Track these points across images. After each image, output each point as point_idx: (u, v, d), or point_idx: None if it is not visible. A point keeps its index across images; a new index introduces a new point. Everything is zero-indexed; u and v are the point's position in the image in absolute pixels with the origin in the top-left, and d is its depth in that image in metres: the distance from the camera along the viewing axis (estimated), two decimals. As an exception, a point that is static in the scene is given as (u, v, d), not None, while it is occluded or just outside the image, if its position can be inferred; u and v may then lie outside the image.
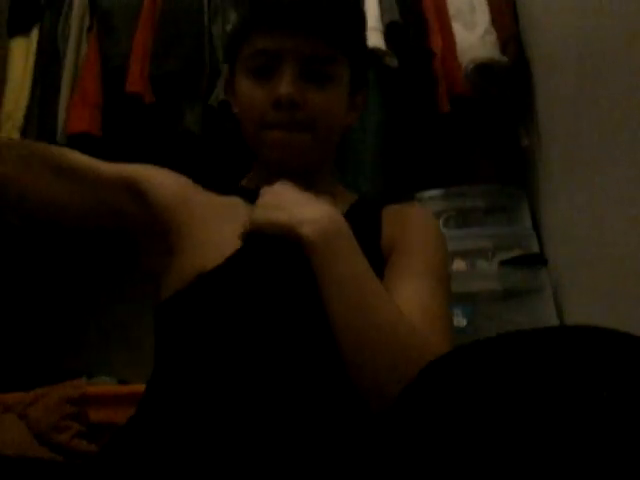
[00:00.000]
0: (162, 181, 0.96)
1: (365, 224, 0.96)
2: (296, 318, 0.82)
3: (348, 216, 0.94)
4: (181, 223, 0.92)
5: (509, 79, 1.80)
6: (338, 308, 0.78)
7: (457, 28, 1.87)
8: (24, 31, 2.06)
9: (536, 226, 1.81)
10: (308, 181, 0.95)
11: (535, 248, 1.74)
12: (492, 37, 1.82)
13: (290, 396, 0.76)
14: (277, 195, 0.88)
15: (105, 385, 1.95)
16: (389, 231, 0.96)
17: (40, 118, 1.95)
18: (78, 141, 1.87)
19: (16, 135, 1.93)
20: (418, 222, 0.97)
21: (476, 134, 1.92)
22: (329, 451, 0.72)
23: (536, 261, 1.69)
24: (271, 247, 0.86)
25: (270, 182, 0.93)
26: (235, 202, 0.96)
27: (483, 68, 1.79)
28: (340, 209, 0.96)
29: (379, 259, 0.91)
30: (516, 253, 1.73)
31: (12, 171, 0.89)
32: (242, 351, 0.80)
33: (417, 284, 0.86)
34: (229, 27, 1.94)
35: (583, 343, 0.52)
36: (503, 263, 1.71)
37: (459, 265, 1.73)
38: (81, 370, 1.99)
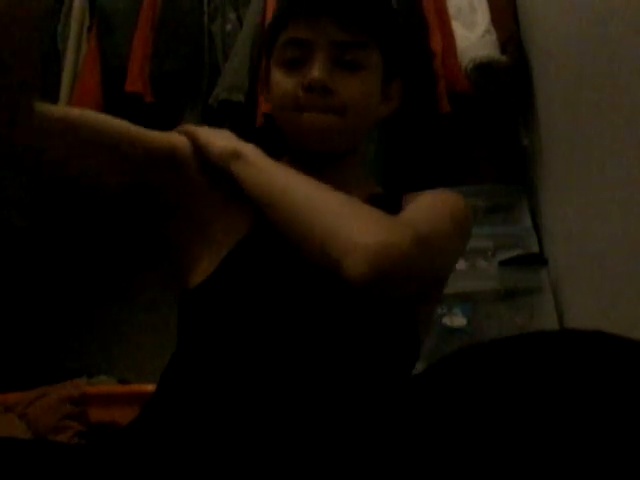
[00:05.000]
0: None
1: (387, 205, 0.98)
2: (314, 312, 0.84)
3: (371, 200, 0.98)
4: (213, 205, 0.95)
5: (509, 79, 1.80)
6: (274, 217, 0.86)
7: (457, 28, 1.87)
8: (24, 31, 2.06)
9: (536, 226, 1.81)
10: (336, 167, 0.98)
11: (535, 248, 1.74)
12: (492, 37, 1.82)
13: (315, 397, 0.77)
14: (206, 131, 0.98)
15: (105, 385, 1.94)
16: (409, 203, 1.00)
17: (40, 118, 1.95)
18: (78, 141, 1.87)
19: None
20: (437, 193, 1.05)
21: (476, 134, 1.92)
22: (338, 447, 0.72)
23: (536, 261, 1.69)
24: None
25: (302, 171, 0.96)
26: None
27: (483, 68, 1.79)
28: (364, 194, 1.00)
29: None
30: (516, 253, 1.73)
31: (64, 154, 0.87)
32: (270, 345, 0.81)
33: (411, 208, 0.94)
34: (229, 27, 1.94)
35: (584, 348, 0.52)
36: (503, 263, 1.71)
37: (459, 265, 1.73)
38: (81, 370, 1.99)
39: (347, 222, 0.81)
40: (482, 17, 1.86)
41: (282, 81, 0.95)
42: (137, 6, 1.94)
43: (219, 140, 0.94)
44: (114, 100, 1.88)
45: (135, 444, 0.77)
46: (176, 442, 0.74)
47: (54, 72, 1.97)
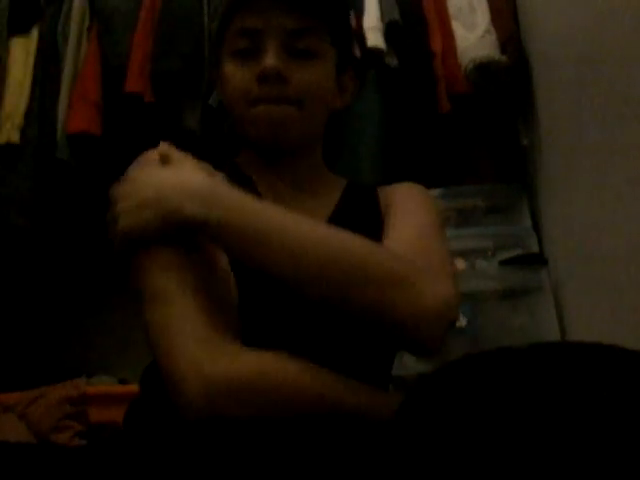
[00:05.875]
0: None
1: (362, 198, 0.99)
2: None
3: (344, 199, 0.97)
4: None
5: (509, 79, 1.80)
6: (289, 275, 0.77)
7: (457, 28, 1.87)
8: (24, 31, 2.06)
9: (536, 226, 1.81)
10: (295, 162, 0.96)
11: (535, 248, 1.74)
12: (492, 37, 1.82)
13: None
14: (135, 191, 0.79)
15: (105, 385, 1.95)
16: (385, 201, 0.98)
17: (40, 118, 1.95)
18: (78, 140, 1.87)
19: (16, 135, 1.93)
20: (406, 189, 1.01)
21: (476, 133, 1.92)
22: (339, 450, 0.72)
23: (536, 261, 1.69)
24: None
25: (258, 167, 0.95)
26: None
27: (483, 68, 1.79)
28: (332, 194, 0.98)
29: (380, 227, 0.94)
30: (516, 253, 1.72)
31: None
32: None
33: (404, 228, 0.90)
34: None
35: (583, 360, 0.52)
36: (503, 263, 1.71)
37: (459, 265, 1.73)
38: (81, 370, 1.99)
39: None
40: (482, 17, 1.86)
41: (234, 73, 0.93)
42: (137, 6, 1.94)
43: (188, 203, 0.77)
44: (114, 99, 1.88)
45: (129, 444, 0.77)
46: (167, 440, 0.74)
47: (54, 72, 1.97)
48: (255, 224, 0.77)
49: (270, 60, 0.90)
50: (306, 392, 0.73)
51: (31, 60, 2.01)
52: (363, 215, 0.96)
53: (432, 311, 0.75)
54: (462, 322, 1.61)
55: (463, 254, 1.74)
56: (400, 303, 0.75)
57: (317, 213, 0.93)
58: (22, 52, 2.03)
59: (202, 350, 0.72)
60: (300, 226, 0.78)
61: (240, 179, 0.95)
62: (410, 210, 0.95)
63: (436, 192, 1.85)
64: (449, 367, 0.56)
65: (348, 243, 0.78)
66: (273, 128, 0.92)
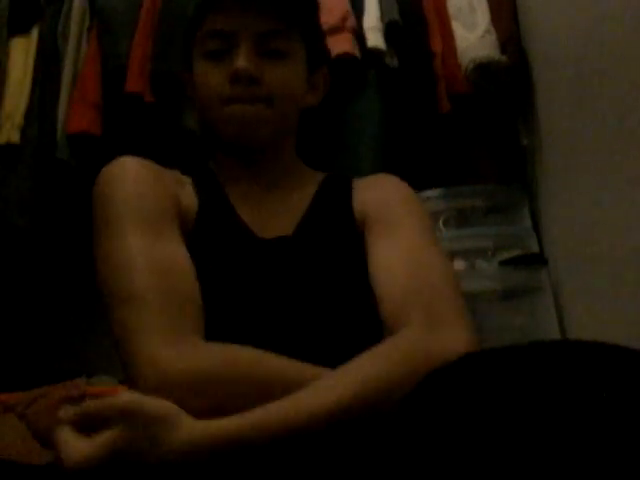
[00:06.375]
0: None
1: (336, 195, 0.99)
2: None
3: (320, 192, 0.99)
4: None
5: (509, 79, 1.80)
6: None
7: (457, 28, 1.87)
8: (24, 31, 2.05)
9: (536, 226, 1.81)
10: (269, 160, 0.98)
11: (535, 248, 1.74)
12: (492, 37, 1.82)
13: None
14: None
15: (105, 385, 1.94)
16: (361, 197, 0.98)
17: (40, 118, 1.95)
18: (78, 141, 1.87)
19: (16, 135, 1.93)
20: (387, 183, 1.01)
21: (476, 134, 1.92)
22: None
23: (536, 261, 1.68)
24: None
25: (232, 169, 0.96)
26: None
27: (483, 68, 1.79)
28: (308, 190, 0.99)
29: (352, 227, 0.95)
30: (516, 253, 1.72)
31: None
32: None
33: (393, 250, 0.88)
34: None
35: (583, 358, 0.52)
36: (503, 263, 1.70)
37: (459, 265, 1.73)
38: (81, 370, 1.99)
39: None
40: (482, 17, 1.86)
41: (207, 73, 0.94)
42: (137, 6, 1.93)
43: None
44: (114, 100, 1.88)
45: None
46: None
47: (54, 72, 1.97)
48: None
49: (242, 62, 0.91)
50: (262, 382, 0.73)
51: (31, 60, 2.01)
52: (335, 212, 0.97)
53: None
54: (462, 322, 1.60)
55: (463, 254, 1.74)
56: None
57: (290, 214, 0.96)
58: (22, 52, 2.03)
59: (160, 346, 0.73)
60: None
61: (209, 185, 0.97)
62: (396, 220, 0.93)
63: (436, 192, 1.85)
64: (450, 366, 0.56)
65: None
66: (246, 127, 0.93)
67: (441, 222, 1.81)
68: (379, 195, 0.98)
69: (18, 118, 1.94)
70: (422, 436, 0.52)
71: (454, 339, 0.76)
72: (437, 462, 0.51)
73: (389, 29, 1.81)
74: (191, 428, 0.67)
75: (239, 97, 0.92)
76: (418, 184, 1.87)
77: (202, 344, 0.76)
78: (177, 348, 0.74)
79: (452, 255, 1.71)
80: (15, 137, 1.92)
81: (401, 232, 0.90)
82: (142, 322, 0.76)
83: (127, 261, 0.82)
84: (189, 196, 0.95)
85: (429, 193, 1.85)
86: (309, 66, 1.00)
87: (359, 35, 1.81)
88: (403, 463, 0.53)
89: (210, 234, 0.91)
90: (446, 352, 0.72)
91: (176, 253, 0.84)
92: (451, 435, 0.51)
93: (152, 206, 0.87)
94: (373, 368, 0.72)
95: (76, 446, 0.67)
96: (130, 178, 0.90)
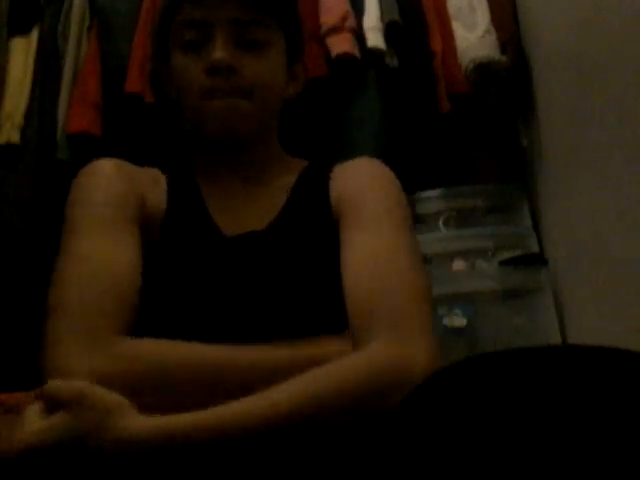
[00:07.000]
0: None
1: (313, 185, 0.96)
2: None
3: (297, 184, 0.96)
4: None
5: (509, 79, 1.80)
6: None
7: (457, 28, 1.87)
8: (24, 31, 2.05)
9: (536, 226, 1.81)
10: (251, 153, 0.96)
11: (535, 248, 1.74)
12: (492, 37, 1.82)
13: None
14: None
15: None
16: (339, 185, 0.95)
17: (40, 118, 1.95)
18: (78, 141, 1.87)
19: (16, 135, 1.93)
20: (365, 170, 0.98)
21: (476, 134, 1.92)
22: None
23: (536, 261, 1.69)
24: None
25: (211, 164, 0.95)
26: None
27: (483, 68, 1.79)
28: (289, 181, 0.97)
29: (328, 218, 0.91)
30: (516, 253, 1.72)
31: None
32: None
33: (371, 235, 0.85)
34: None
35: (584, 362, 0.52)
36: (503, 263, 1.70)
37: (459, 265, 1.73)
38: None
39: None
40: (482, 17, 1.86)
41: (184, 66, 0.92)
42: (137, 6, 1.93)
43: None
44: (114, 100, 1.88)
45: None
46: None
47: (54, 72, 1.97)
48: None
49: (219, 52, 0.89)
50: (184, 373, 0.73)
51: (31, 60, 2.01)
52: (312, 204, 0.94)
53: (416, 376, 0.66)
54: (462, 322, 1.61)
55: (463, 254, 1.74)
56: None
57: (268, 208, 0.93)
58: (22, 52, 2.02)
59: (69, 356, 0.74)
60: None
61: (184, 183, 0.95)
62: (369, 215, 0.89)
63: (436, 192, 1.85)
64: (450, 369, 0.56)
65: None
66: (226, 123, 0.91)
67: (441, 222, 1.81)
68: (355, 184, 0.94)
69: (18, 118, 1.94)
70: (422, 438, 0.52)
71: (414, 354, 0.72)
72: (437, 465, 0.50)
73: (389, 29, 1.80)
74: (141, 420, 0.67)
75: (218, 89, 0.89)
76: (418, 184, 1.89)
77: (120, 342, 0.76)
78: (89, 353, 0.74)
79: (452, 255, 1.71)
80: (15, 137, 1.92)
81: (373, 228, 0.86)
82: (57, 333, 0.76)
83: (62, 272, 0.86)
84: (159, 195, 0.93)
85: (429, 193, 1.85)
86: (289, 56, 0.98)
87: (359, 35, 1.80)
88: (402, 465, 0.53)
89: (176, 233, 0.90)
90: (405, 370, 0.70)
91: (118, 256, 0.83)
92: (451, 438, 0.51)
93: (106, 210, 0.87)
94: (321, 383, 0.70)
95: (32, 424, 0.71)
96: (92, 183, 0.91)
